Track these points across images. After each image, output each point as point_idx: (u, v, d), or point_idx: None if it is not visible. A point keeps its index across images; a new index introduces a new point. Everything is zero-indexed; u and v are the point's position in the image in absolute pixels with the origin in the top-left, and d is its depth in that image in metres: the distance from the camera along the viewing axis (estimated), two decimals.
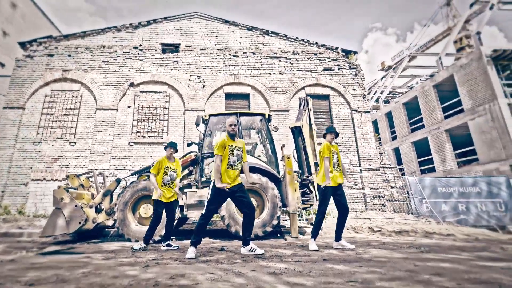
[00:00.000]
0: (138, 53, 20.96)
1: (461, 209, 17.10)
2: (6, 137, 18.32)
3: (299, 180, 11.49)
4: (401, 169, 21.10)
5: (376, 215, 16.54)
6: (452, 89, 31.32)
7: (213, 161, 12.02)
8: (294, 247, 7.82)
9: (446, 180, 18.11)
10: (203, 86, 20.50)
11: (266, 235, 10.09)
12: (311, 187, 11.47)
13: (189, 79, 20.59)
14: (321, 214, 7.54)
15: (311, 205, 11.41)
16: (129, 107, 19.73)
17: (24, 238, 11.26)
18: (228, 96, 20.83)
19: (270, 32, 22.66)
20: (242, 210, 6.89)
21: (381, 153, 20.45)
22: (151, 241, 8.68)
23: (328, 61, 22.16)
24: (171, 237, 9.43)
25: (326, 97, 21.40)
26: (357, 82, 21.78)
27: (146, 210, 10.16)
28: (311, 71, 21.73)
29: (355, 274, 4.37)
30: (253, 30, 22.68)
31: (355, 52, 22.74)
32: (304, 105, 12.96)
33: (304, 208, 11.68)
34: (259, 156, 12.08)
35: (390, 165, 20.49)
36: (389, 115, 41.76)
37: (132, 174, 11.52)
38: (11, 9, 28.49)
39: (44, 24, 33.40)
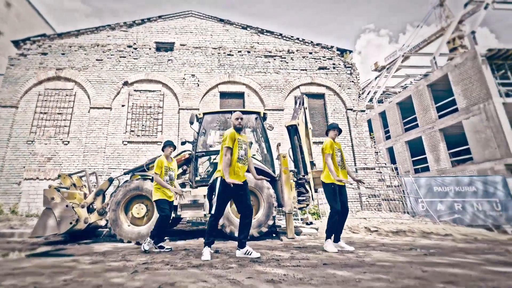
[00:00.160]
0: (132, 52, 20.61)
1: (457, 209, 16.92)
2: None
3: (295, 179, 11.10)
4: (395, 169, 20.83)
5: (372, 214, 16.30)
6: (446, 89, 31.11)
7: (207, 160, 11.80)
8: (291, 248, 7.46)
9: (441, 179, 17.94)
10: (198, 85, 20.18)
11: (261, 236, 9.79)
12: (307, 187, 11.11)
13: (184, 78, 20.27)
14: (336, 212, 7.13)
15: (307, 205, 11.11)
16: (123, 106, 19.38)
17: (14, 238, 10.89)
18: (223, 95, 20.52)
19: (265, 30, 22.33)
20: (240, 210, 6.53)
21: (377, 152, 20.21)
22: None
23: (323, 60, 21.87)
24: (165, 238, 9.03)
25: (321, 96, 21.13)
26: (352, 81, 21.50)
27: (139, 210, 9.83)
28: (306, 70, 21.44)
29: (361, 282, 3.97)
30: (248, 28, 22.34)
31: (350, 51, 22.45)
32: (299, 104, 12.69)
33: (300, 208, 11.41)
34: (254, 155, 11.71)
35: (385, 164, 20.21)
36: (383, 115, 41.59)
37: (125, 173, 11.26)
38: (5, 8, 28.14)
39: (39, 24, 33.02)
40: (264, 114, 11.93)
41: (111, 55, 20.34)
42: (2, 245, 9.09)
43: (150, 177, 10.00)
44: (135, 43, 20.86)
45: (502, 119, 24.10)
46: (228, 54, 21.25)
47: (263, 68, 21.12)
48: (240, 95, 20.63)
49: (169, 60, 20.66)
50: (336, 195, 7.24)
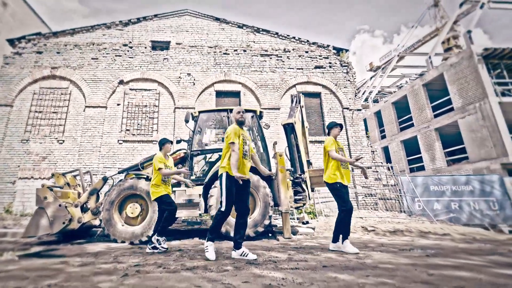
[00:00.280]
0: (128, 51, 20.39)
1: (454, 208, 16.81)
2: None
3: (292, 178, 10.86)
4: (391, 168, 20.70)
5: (368, 214, 16.14)
6: (441, 88, 30.87)
7: (203, 158, 11.56)
8: (288, 249, 7.19)
9: (438, 178, 17.83)
10: (194, 84, 19.97)
11: (257, 236, 9.53)
12: (303, 186, 10.89)
13: (179, 77, 20.07)
14: (348, 212, 6.90)
15: (304, 204, 10.93)
16: (118, 104, 19.15)
17: (7, 238, 10.58)
18: (219, 94, 20.32)
19: (261, 29, 22.15)
20: (238, 209, 6.24)
21: (373, 151, 20.03)
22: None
23: (320, 59, 21.71)
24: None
25: (317, 95, 20.94)
26: (349, 80, 21.34)
27: (133, 209, 9.53)
28: (302, 68, 21.27)
29: (365, 287, 3.71)
30: (244, 27, 22.14)
31: (347, 50, 22.27)
32: (296, 102, 12.51)
33: (296, 208, 11.19)
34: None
35: (381, 163, 20.01)
36: (378, 114, 41.36)
37: (119, 172, 10.93)
38: (1, 8, 27.83)
39: (35, 24, 32.62)
40: (261, 112, 11.75)
41: (107, 54, 20.13)
42: None
43: (145, 176, 9.80)
44: (130, 42, 20.63)
45: (498, 118, 23.91)
46: (224, 53, 21.06)
47: (259, 67, 20.93)
48: (236, 94, 20.42)
49: (164, 59, 20.45)
50: (344, 193, 7.04)
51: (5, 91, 18.59)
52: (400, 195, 17.37)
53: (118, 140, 18.31)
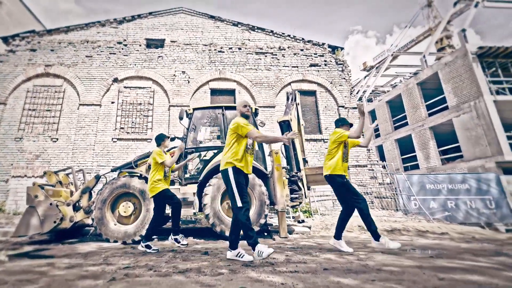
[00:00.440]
0: (123, 48, 20.10)
1: (450, 206, 16.61)
2: None
3: (288, 176, 10.57)
4: (385, 166, 20.60)
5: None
6: (436, 87, 30.73)
7: (197, 156, 11.27)
8: (285, 249, 6.86)
9: (434, 176, 17.65)
10: (188, 82, 19.71)
11: None
12: (300, 184, 10.63)
13: (174, 75, 19.82)
14: (365, 206, 6.54)
15: (300, 203, 10.64)
16: (112, 102, 18.88)
17: None
18: (214, 92, 20.09)
19: (256, 27, 21.90)
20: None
21: (368, 150, 19.83)
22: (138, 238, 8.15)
23: (315, 57, 21.51)
24: (153, 237, 8.43)
25: (312, 93, 20.75)
26: (344, 78, 21.16)
27: (126, 208, 9.18)
28: (297, 67, 21.07)
29: None
30: (239, 25, 21.91)
31: (342, 48, 22.06)
32: (292, 99, 12.27)
33: (292, 206, 10.88)
34: None
35: (377, 161, 19.80)
36: (372, 113, 41.26)
37: (112, 170, 10.60)
38: None
39: (31, 23, 32.27)
40: (256, 109, 11.50)
41: (101, 51, 19.84)
42: None
43: (138, 174, 9.51)
44: (125, 40, 20.34)
45: (493, 117, 23.73)
46: (219, 51, 20.84)
47: (254, 65, 20.72)
48: (231, 92, 20.21)
49: (159, 56, 20.21)
50: (352, 187, 6.73)
51: None
52: (396, 194, 17.18)
53: (112, 138, 18.03)
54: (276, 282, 3.89)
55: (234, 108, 11.48)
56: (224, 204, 9.46)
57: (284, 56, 21.24)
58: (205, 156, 11.30)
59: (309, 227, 11.62)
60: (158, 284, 3.84)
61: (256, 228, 9.07)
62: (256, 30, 21.89)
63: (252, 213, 9.20)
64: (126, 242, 8.54)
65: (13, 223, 12.77)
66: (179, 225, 7.23)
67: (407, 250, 6.87)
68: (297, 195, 10.47)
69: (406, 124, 34.16)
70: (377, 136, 39.91)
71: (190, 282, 3.95)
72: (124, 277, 4.26)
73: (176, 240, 7.03)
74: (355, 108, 20.35)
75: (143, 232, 8.40)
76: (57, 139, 17.73)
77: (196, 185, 9.89)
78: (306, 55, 21.48)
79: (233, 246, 5.60)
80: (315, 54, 21.58)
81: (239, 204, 5.45)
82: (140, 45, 20.33)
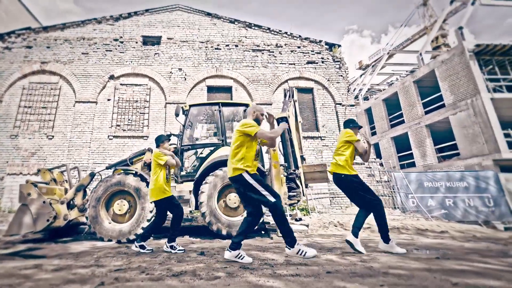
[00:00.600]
0: (119, 45, 19.86)
1: (449, 204, 16.48)
2: None
3: (285, 174, 10.30)
4: (381, 164, 20.52)
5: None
6: (432, 85, 30.61)
7: (194, 154, 11.02)
8: (283, 250, 6.48)
9: (432, 174, 17.55)
10: (185, 79, 19.50)
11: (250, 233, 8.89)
12: (297, 182, 10.35)
13: (171, 72, 19.60)
14: (379, 203, 6.29)
15: (298, 201, 10.28)
16: (108, 100, 18.64)
17: None
18: (210, 89, 19.86)
19: (253, 25, 21.71)
20: (247, 207, 5.50)
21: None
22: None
23: (312, 54, 21.34)
24: (150, 236, 8.15)
25: (309, 91, 20.57)
26: (341, 75, 21.01)
27: (121, 206, 8.96)
28: (294, 64, 20.90)
29: None
30: (236, 23, 21.71)
31: (339, 45, 21.89)
32: (289, 96, 11.94)
33: (290, 204, 10.62)
34: None
35: (374, 159, 19.59)
36: (368, 111, 41.08)
37: (107, 168, 10.35)
38: None
39: (29, 22, 32.12)
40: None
41: (97, 48, 19.63)
42: None
43: (133, 172, 9.29)
44: (121, 37, 20.12)
45: (490, 115, 23.56)
46: (215, 48, 20.65)
47: (251, 62, 20.54)
48: (228, 89, 20.00)
49: (155, 54, 19.98)
50: (367, 185, 6.48)
51: None
52: (394, 192, 17.00)
53: (108, 136, 17.81)
54: (277, 287, 3.58)
55: (231, 104, 11.43)
56: (220, 202, 9.26)
57: (281, 54, 21.07)
58: (201, 153, 11.08)
59: (307, 225, 11.44)
60: None
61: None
62: (253, 27, 21.69)
63: None
64: (120, 241, 8.35)
65: (8, 221, 12.53)
66: (176, 234, 6.90)
67: (410, 250, 6.59)
68: (295, 193, 10.19)
69: (403, 122, 34.00)
70: (373, 134, 39.80)
71: (184, 287, 3.66)
72: (113, 282, 3.95)
73: (172, 247, 6.74)
74: (352, 105, 20.12)
75: (138, 231, 8.28)
76: (53, 136, 17.50)
77: (192, 182, 9.68)
78: (303, 53, 21.31)
79: (235, 247, 5.24)
80: (312, 51, 21.41)
81: (273, 198, 5.13)
82: (136, 42, 20.11)
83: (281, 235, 5.39)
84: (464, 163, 25.34)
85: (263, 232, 10.39)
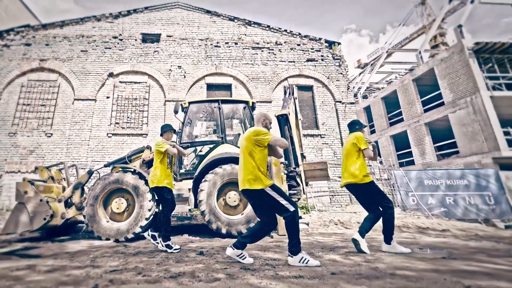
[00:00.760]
0: (118, 43, 19.71)
1: (449, 202, 16.35)
2: None
3: (286, 172, 10.12)
4: (380, 162, 20.46)
5: (361, 208, 15.59)
6: (432, 83, 30.56)
7: (193, 151, 10.85)
8: (285, 249, 6.37)
9: (432, 172, 17.44)
10: (184, 77, 19.35)
11: None
12: (298, 180, 10.18)
13: (170, 70, 19.45)
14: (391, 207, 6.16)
15: (299, 199, 10.17)
16: (108, 97, 18.48)
17: None
18: (210, 86, 19.71)
19: (252, 22, 21.58)
20: (262, 217, 5.18)
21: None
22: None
23: (312, 52, 21.20)
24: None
25: (309, 88, 20.43)
26: (341, 73, 20.87)
27: (119, 204, 8.81)
28: (294, 61, 20.76)
29: None
30: (235, 20, 21.57)
31: (339, 43, 21.74)
32: (289, 93, 11.82)
33: None
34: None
35: (380, 158, 19.45)
36: (367, 109, 41.01)
37: (105, 166, 10.18)
38: None
39: (29, 21, 31.96)
40: (253, 103, 11.10)
41: (96, 46, 19.46)
42: None
43: (132, 170, 9.11)
44: (120, 34, 19.97)
45: (490, 113, 23.46)
46: (215, 46, 20.51)
47: (250, 60, 20.40)
48: (228, 87, 19.87)
49: (155, 51, 19.84)
50: (379, 189, 6.37)
51: None
52: (394, 189, 16.87)
53: (107, 134, 17.66)
54: None
55: (231, 102, 11.28)
56: (220, 200, 9.10)
57: (280, 51, 20.95)
58: (200, 151, 10.88)
59: (307, 224, 11.34)
60: None
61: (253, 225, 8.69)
62: (253, 25, 21.57)
63: (250, 210, 8.88)
64: (118, 240, 8.18)
65: (6, 219, 12.43)
66: (163, 230, 6.68)
67: (412, 249, 6.41)
68: (295, 191, 10.05)
69: (402, 120, 33.86)
70: (372, 132, 39.70)
71: None
72: (108, 284, 3.73)
73: (168, 246, 6.51)
74: (352, 103, 20.00)
75: (137, 230, 8.16)
76: (52, 134, 17.35)
77: (191, 180, 9.51)
78: (303, 50, 21.19)
79: (239, 247, 5.03)
80: (312, 49, 21.29)
81: (292, 208, 4.87)
82: (135, 40, 19.97)
83: (282, 234, 5.16)
84: (464, 161, 25.24)
85: None
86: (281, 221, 9.09)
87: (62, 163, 10.25)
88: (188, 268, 4.56)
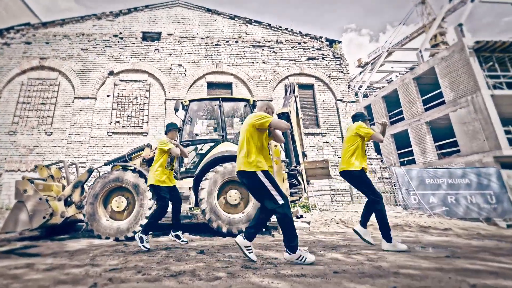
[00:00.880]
0: (118, 41, 19.66)
1: (450, 201, 16.30)
2: None
3: (287, 170, 10.05)
4: (381, 161, 20.43)
5: (362, 207, 15.55)
6: (432, 82, 30.43)
7: (194, 150, 10.79)
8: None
9: (434, 171, 17.37)
10: (185, 75, 19.31)
11: None
12: (299, 178, 10.14)
13: (170, 68, 19.40)
14: (380, 200, 6.22)
15: (300, 197, 10.13)
16: (108, 96, 18.42)
17: None
18: (210, 85, 19.67)
19: (253, 21, 21.51)
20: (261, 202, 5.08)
21: (367, 144, 19.42)
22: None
23: (312, 50, 21.17)
24: (150, 232, 7.89)
25: (310, 87, 20.39)
26: (342, 72, 20.83)
27: (119, 203, 8.75)
28: (295, 60, 20.73)
29: None
30: (236, 19, 21.53)
31: (340, 42, 21.70)
32: (290, 92, 11.79)
33: (292, 201, 10.38)
34: None
35: (376, 156, 19.38)
36: (368, 108, 40.79)
37: (105, 164, 10.12)
38: None
39: (29, 19, 31.83)
40: (254, 101, 10.95)
41: (97, 44, 19.41)
42: None
43: (132, 168, 9.06)
44: (121, 33, 19.93)
45: (491, 111, 23.40)
46: (216, 44, 20.47)
47: (251, 58, 20.36)
48: (228, 86, 19.82)
49: (155, 50, 19.79)
50: (369, 180, 6.47)
51: None
52: (395, 188, 16.82)
53: (108, 132, 17.58)
54: None
55: (231, 100, 11.26)
56: (221, 199, 9.05)
57: (281, 50, 20.91)
58: (201, 149, 10.82)
59: (308, 223, 11.30)
60: None
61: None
62: (253, 24, 21.51)
63: (250, 208, 8.88)
64: (118, 239, 8.14)
65: (5, 218, 12.40)
66: (150, 227, 6.63)
67: (413, 248, 6.39)
68: (296, 190, 10.01)
69: (402, 119, 33.82)
70: None
71: None
72: (107, 283, 3.65)
73: (141, 238, 6.47)
74: (353, 102, 19.99)
75: (137, 228, 8.10)
76: (52, 132, 17.28)
77: (192, 179, 9.47)
78: (303, 49, 21.16)
79: (250, 237, 4.97)
80: (313, 47, 21.24)
81: (281, 200, 4.80)
82: (136, 38, 19.93)
83: (283, 238, 5.09)
84: (465, 160, 25.17)
85: (264, 229, 10.16)
86: None
87: (62, 161, 10.17)
88: (189, 267, 4.47)
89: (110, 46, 19.43)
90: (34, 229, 8.16)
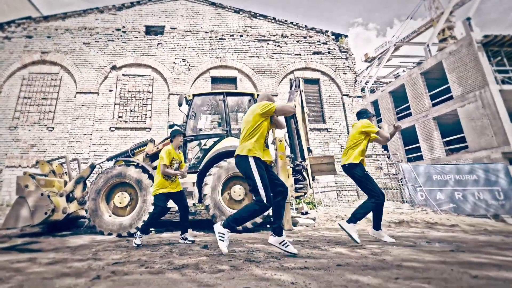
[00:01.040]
0: (121, 35, 19.69)
1: (458, 198, 16.27)
2: None
3: (292, 166, 10.05)
4: (388, 157, 20.40)
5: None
6: (440, 77, 30.42)
7: (197, 145, 10.82)
8: (291, 243, 6.19)
9: (441, 167, 17.33)
10: (189, 70, 19.31)
11: (255, 227, 8.86)
12: (304, 174, 10.13)
13: (174, 62, 19.41)
14: (379, 197, 6.21)
15: (305, 193, 10.14)
16: (110, 90, 18.46)
17: None
18: (214, 80, 19.67)
19: (258, 14, 21.47)
20: (275, 190, 5.07)
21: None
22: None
23: (318, 45, 21.14)
24: (151, 230, 7.93)
25: (316, 82, 20.36)
26: (348, 66, 20.79)
27: (122, 199, 8.78)
28: (300, 54, 20.68)
29: None
30: (241, 12, 21.48)
31: (346, 36, 21.61)
32: (295, 86, 11.76)
33: (297, 197, 10.40)
34: None
35: (382, 151, 19.36)
36: (375, 104, 40.74)
37: (108, 160, 10.15)
38: None
39: (29, 12, 31.92)
40: (258, 96, 10.89)
41: (99, 38, 19.45)
42: None
43: (135, 163, 9.09)
44: (124, 27, 19.93)
45: (499, 107, 23.33)
46: (220, 38, 20.47)
47: (256, 53, 20.34)
48: (233, 80, 19.81)
49: (159, 44, 19.81)
50: (371, 178, 6.42)
51: None
52: (402, 185, 16.82)
53: (110, 127, 17.63)
54: (285, 281, 3.28)
55: (236, 94, 11.25)
56: (225, 194, 9.07)
57: (286, 44, 20.87)
58: (205, 144, 10.84)
59: (314, 219, 11.32)
60: (147, 284, 3.27)
61: (259, 220, 8.70)
62: (258, 17, 21.48)
63: None
64: (121, 235, 8.18)
65: (5, 214, 12.46)
66: (145, 231, 6.64)
67: (419, 243, 6.37)
68: (301, 185, 9.99)
69: (410, 114, 33.80)
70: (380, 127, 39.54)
71: (185, 280, 3.37)
72: (110, 275, 3.68)
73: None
74: (359, 97, 19.97)
75: (139, 224, 8.09)
76: (53, 128, 17.32)
77: (195, 174, 9.47)
78: (309, 43, 21.11)
79: (279, 232, 4.94)
80: (319, 41, 21.20)
81: (264, 200, 4.78)
82: (139, 32, 19.94)
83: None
84: (473, 156, 25.12)
85: (268, 226, 10.14)
86: (287, 214, 9.13)
87: (64, 157, 10.27)
88: (192, 261, 4.51)
89: (113, 40, 19.43)
90: (36, 225, 8.19)
